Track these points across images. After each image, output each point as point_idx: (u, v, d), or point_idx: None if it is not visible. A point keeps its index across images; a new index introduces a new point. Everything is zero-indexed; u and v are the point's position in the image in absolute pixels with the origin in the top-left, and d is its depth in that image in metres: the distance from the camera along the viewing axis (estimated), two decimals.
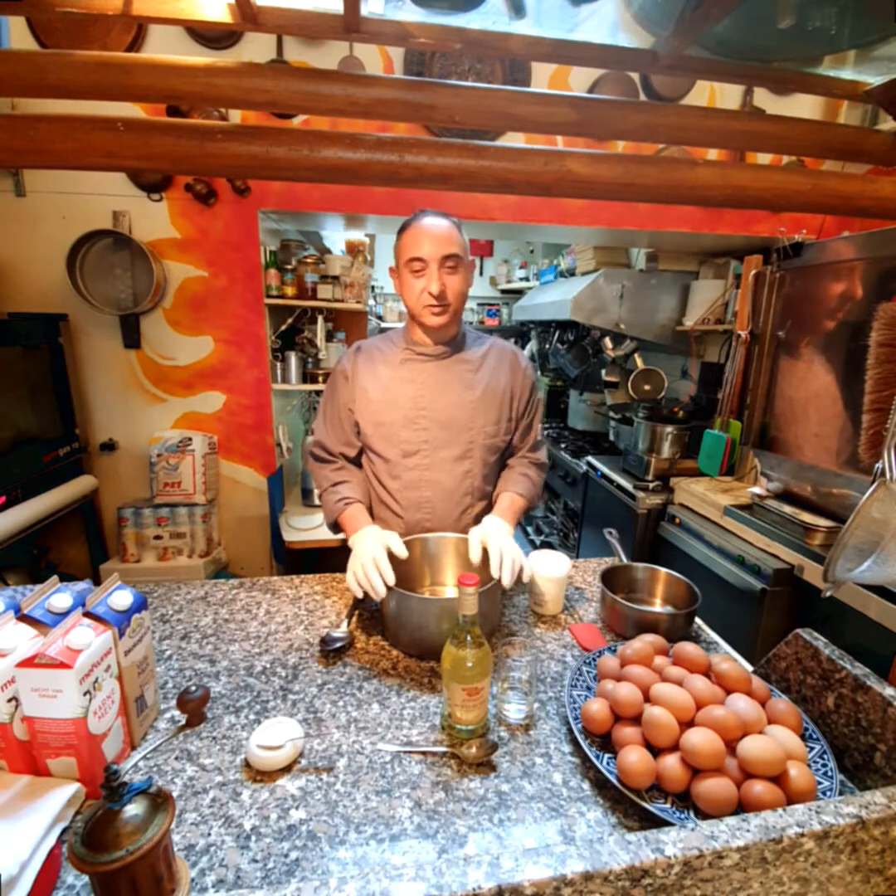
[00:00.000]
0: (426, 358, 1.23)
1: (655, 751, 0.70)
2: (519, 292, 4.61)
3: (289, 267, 2.26)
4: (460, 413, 1.22)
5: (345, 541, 1.39)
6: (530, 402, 1.32)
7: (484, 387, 1.24)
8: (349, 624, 1.06)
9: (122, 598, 0.75)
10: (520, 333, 4.82)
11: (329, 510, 1.21)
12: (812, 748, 0.72)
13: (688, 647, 0.83)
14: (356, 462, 1.30)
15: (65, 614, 0.71)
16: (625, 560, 1.19)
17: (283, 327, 2.38)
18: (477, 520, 1.27)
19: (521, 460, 1.34)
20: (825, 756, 0.71)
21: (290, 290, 2.23)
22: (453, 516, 1.24)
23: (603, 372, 3.21)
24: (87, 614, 0.71)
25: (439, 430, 1.21)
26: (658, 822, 0.64)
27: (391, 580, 0.97)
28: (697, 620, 1.10)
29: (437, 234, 1.12)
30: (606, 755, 0.73)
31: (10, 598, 0.77)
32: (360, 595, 0.99)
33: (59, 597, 0.73)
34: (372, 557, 0.99)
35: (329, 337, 2.50)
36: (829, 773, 0.68)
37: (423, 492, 1.22)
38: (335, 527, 1.23)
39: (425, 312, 1.16)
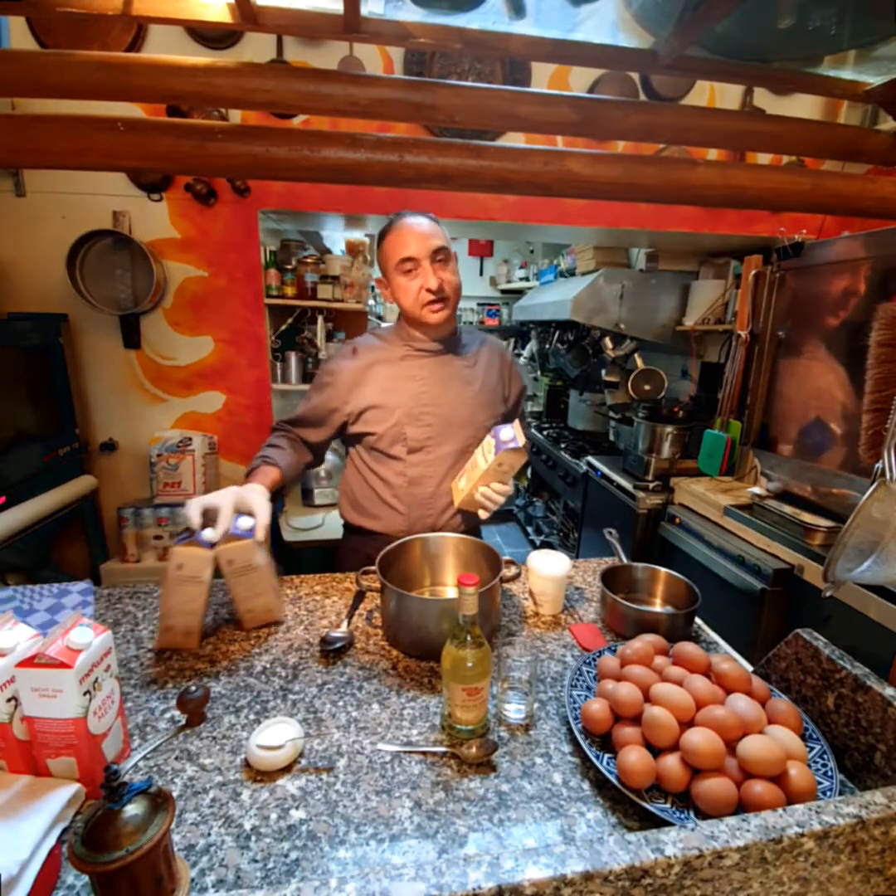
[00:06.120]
0: (425, 354, 1.24)
1: (655, 751, 0.70)
2: (519, 292, 4.61)
3: (289, 267, 2.26)
4: (462, 408, 1.23)
5: (343, 540, 1.41)
6: (521, 394, 1.41)
7: (481, 382, 1.27)
8: (349, 624, 1.06)
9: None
10: (520, 333, 4.81)
11: (250, 464, 1.18)
12: (812, 748, 0.72)
13: (688, 647, 0.83)
14: (311, 447, 1.27)
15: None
16: (625, 560, 1.19)
17: (283, 327, 2.38)
18: (474, 514, 1.28)
19: None
20: (825, 756, 0.71)
21: (290, 290, 2.23)
22: (453, 511, 1.26)
23: (603, 372, 3.21)
24: None
25: (443, 425, 1.22)
26: (658, 822, 0.64)
27: (196, 523, 0.94)
28: (697, 620, 1.10)
29: (421, 231, 1.12)
30: (606, 755, 0.73)
31: (10, 598, 0.77)
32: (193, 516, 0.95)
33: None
34: (222, 500, 0.96)
35: (329, 337, 2.50)
36: (829, 773, 0.68)
37: (426, 488, 1.23)
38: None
39: (425, 312, 1.15)
